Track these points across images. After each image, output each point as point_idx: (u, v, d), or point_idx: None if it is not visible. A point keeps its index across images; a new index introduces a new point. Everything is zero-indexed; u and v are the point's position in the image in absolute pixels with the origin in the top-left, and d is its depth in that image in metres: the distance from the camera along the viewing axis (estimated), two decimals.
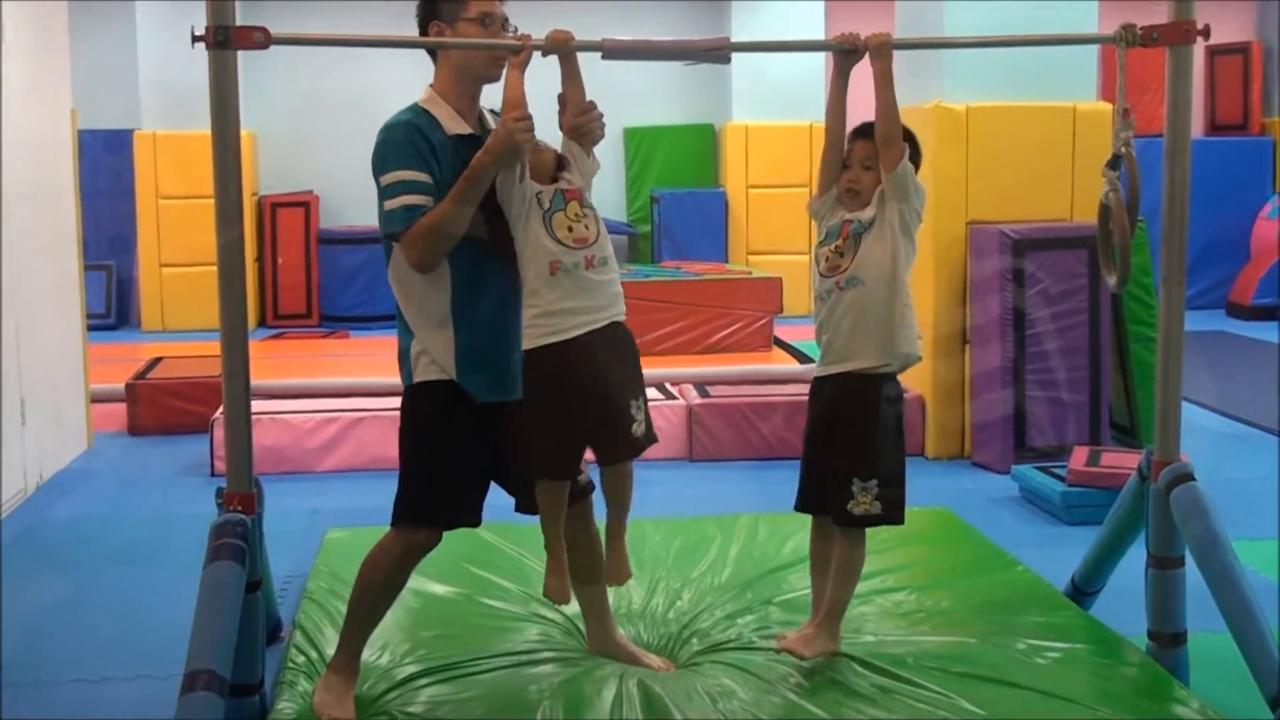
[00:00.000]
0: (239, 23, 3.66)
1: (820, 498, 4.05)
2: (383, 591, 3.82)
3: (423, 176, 3.57)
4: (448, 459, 3.72)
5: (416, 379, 3.72)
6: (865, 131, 4.20)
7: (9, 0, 6.63)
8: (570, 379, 3.58)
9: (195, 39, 3.60)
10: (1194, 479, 4.06)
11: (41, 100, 7.18)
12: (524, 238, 3.58)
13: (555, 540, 3.75)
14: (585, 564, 3.97)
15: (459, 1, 3.71)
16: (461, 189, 3.52)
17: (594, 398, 3.60)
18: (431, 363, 3.69)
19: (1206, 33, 4.04)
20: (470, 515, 3.82)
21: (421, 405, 3.75)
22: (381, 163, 3.61)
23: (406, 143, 3.60)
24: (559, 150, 3.70)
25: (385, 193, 3.58)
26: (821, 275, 4.09)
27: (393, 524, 3.78)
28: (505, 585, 4.78)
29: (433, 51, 3.82)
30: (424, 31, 3.79)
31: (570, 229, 3.56)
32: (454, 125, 3.68)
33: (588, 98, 3.79)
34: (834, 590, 4.03)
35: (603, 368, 3.61)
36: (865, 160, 4.16)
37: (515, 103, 3.53)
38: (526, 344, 3.65)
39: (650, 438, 3.75)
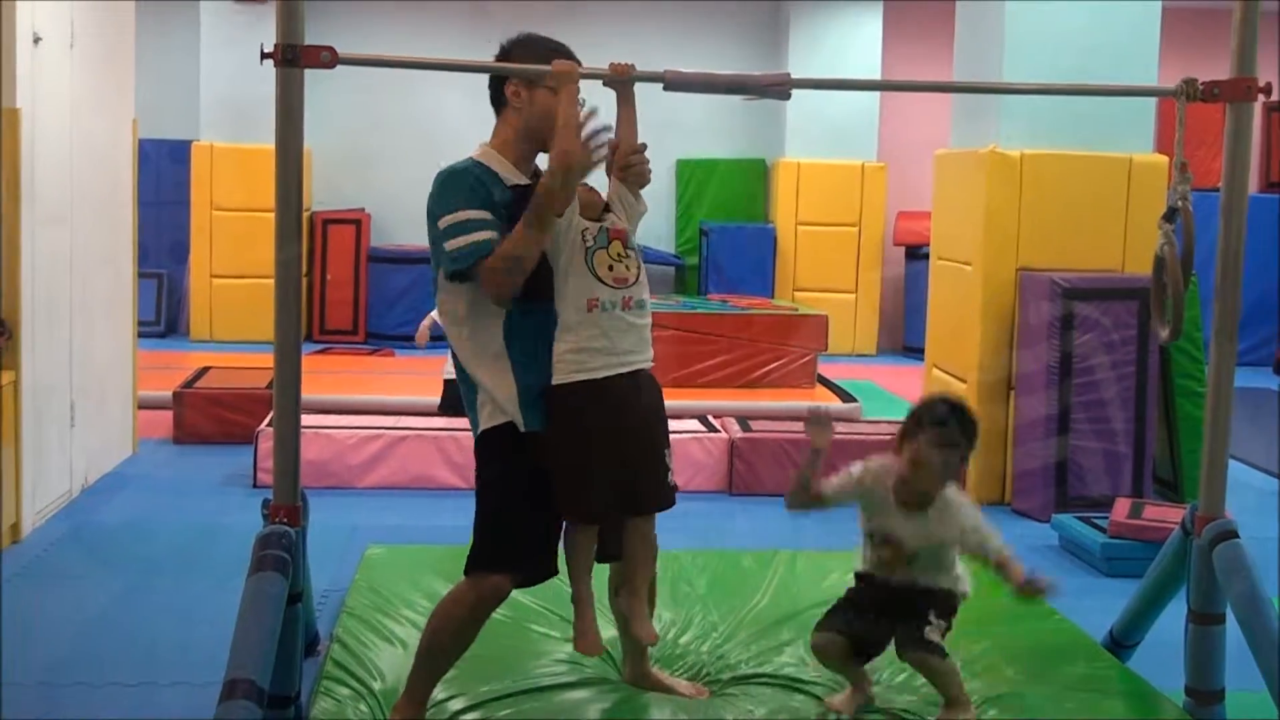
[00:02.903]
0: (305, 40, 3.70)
1: None
2: (453, 641, 3.75)
3: (486, 215, 3.55)
4: (515, 504, 3.67)
5: (482, 427, 3.69)
6: (948, 420, 3.93)
7: (81, 1, 6.72)
8: (606, 419, 3.52)
9: (264, 56, 3.63)
10: (1237, 536, 4.04)
11: (105, 109, 7.27)
12: (564, 272, 3.54)
13: (582, 589, 3.65)
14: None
15: (541, 64, 3.69)
16: (531, 216, 3.48)
17: (634, 441, 3.55)
18: (496, 409, 3.65)
19: (1269, 90, 4.04)
20: (544, 562, 3.73)
21: (488, 453, 3.72)
22: (441, 205, 3.60)
23: (467, 187, 3.60)
24: (605, 192, 3.69)
25: (447, 233, 3.56)
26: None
27: (466, 572, 3.72)
28: (547, 611, 4.79)
29: (498, 108, 3.80)
30: (498, 91, 3.78)
31: (611, 268, 3.54)
32: (512, 177, 3.67)
33: (640, 134, 3.80)
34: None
35: (642, 411, 3.59)
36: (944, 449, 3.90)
37: (570, 123, 3.49)
38: (556, 378, 3.58)
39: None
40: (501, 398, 3.63)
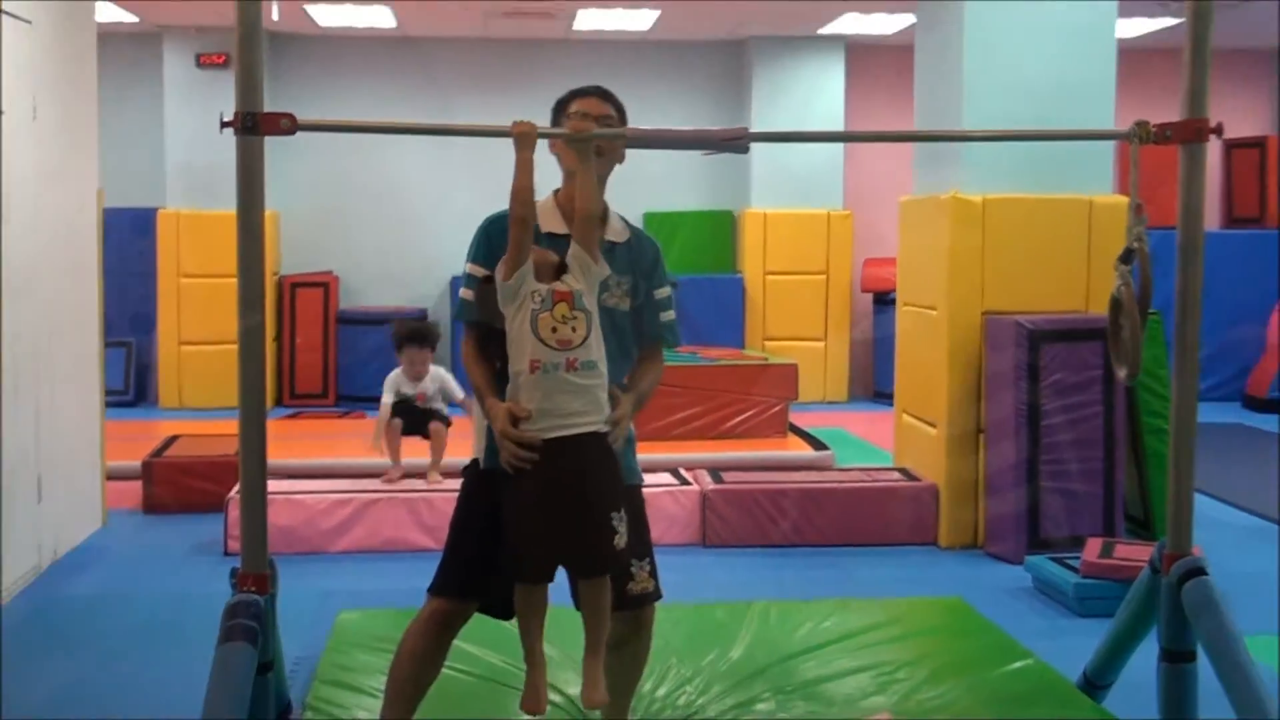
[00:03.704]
0: (266, 106, 3.72)
1: None
2: (409, 660, 3.82)
3: (480, 272, 3.78)
4: (467, 534, 3.84)
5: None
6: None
7: (43, 72, 6.73)
8: (545, 480, 3.51)
9: (224, 124, 3.65)
10: (1206, 573, 4.06)
11: (69, 180, 7.27)
12: (513, 335, 3.58)
13: (531, 644, 3.63)
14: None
15: (564, 106, 3.88)
16: (478, 393, 3.76)
17: (571, 503, 3.53)
18: (475, 444, 3.92)
19: (1219, 130, 4.08)
20: (493, 593, 3.78)
21: (464, 483, 3.96)
22: (468, 252, 3.86)
23: (483, 236, 3.83)
24: (564, 256, 3.70)
25: (462, 280, 3.87)
26: None
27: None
28: (520, 670, 4.76)
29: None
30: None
31: (555, 329, 3.54)
32: (548, 223, 3.81)
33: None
34: None
35: (581, 474, 3.55)
36: None
37: (522, 192, 3.59)
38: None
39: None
40: (477, 435, 3.92)
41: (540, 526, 3.50)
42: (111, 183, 9.07)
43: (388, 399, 7.52)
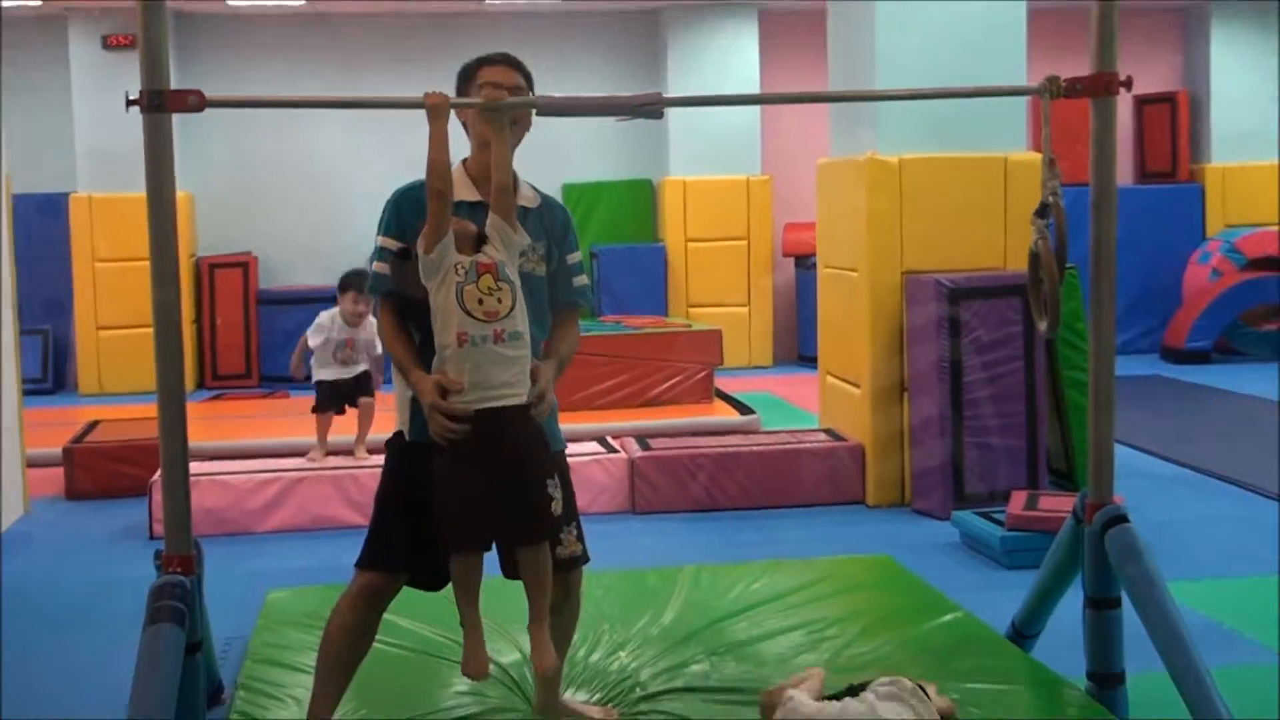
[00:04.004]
0: (174, 86, 3.67)
1: None
2: (339, 635, 3.80)
3: (393, 244, 3.77)
4: (392, 507, 3.82)
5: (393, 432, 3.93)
6: None
7: None
8: (478, 451, 3.51)
9: (130, 103, 3.60)
10: (1128, 521, 4.12)
11: None
12: (438, 307, 3.57)
13: (468, 610, 3.62)
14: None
15: (471, 75, 3.85)
16: (400, 366, 3.73)
17: (507, 473, 3.53)
18: (399, 417, 3.87)
19: (1129, 84, 4.11)
20: (418, 566, 3.79)
21: (387, 457, 3.94)
22: (378, 225, 3.83)
23: (394, 209, 3.82)
24: (483, 228, 3.68)
25: (373, 255, 3.84)
26: None
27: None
28: (451, 642, 4.76)
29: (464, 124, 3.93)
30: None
31: (481, 301, 3.54)
32: (459, 192, 3.77)
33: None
34: None
35: (514, 444, 3.56)
36: None
37: (438, 166, 3.58)
38: None
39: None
40: (400, 407, 3.85)
41: (476, 497, 3.50)
42: (19, 168, 8.91)
43: (314, 341, 7.57)
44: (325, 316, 7.58)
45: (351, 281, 7.49)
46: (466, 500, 3.51)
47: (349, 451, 7.52)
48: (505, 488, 3.52)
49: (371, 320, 7.40)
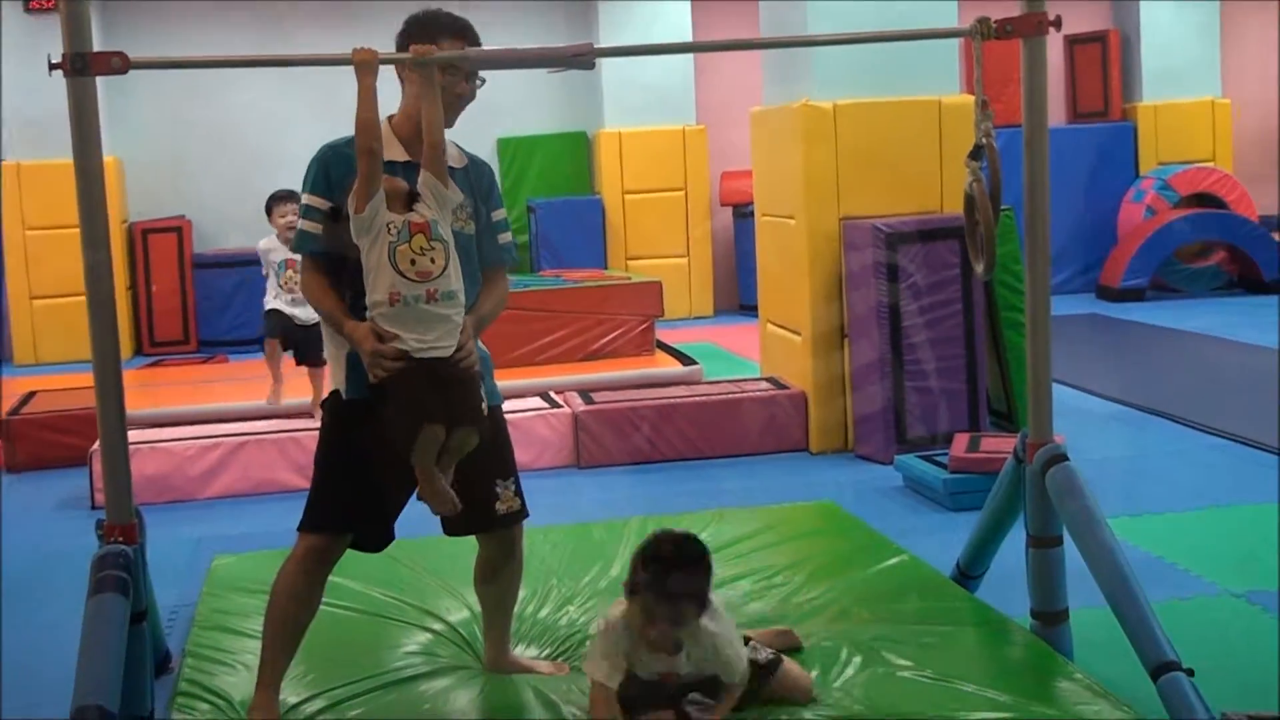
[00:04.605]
0: (98, 48, 3.62)
1: None
2: (285, 600, 3.79)
3: (321, 203, 3.74)
4: (333, 468, 3.81)
5: (326, 392, 3.92)
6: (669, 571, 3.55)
7: None
8: (421, 370, 3.53)
9: (53, 67, 3.56)
10: (1068, 459, 4.15)
11: None
12: (370, 267, 3.55)
13: (426, 468, 3.59)
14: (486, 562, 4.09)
15: (408, 41, 3.78)
16: (332, 321, 3.71)
17: (446, 378, 3.56)
18: (333, 377, 3.87)
19: (1058, 24, 4.13)
20: (361, 525, 3.81)
21: (324, 418, 3.91)
22: (303, 183, 3.81)
23: (320, 166, 3.78)
24: (413, 185, 3.65)
25: (299, 212, 3.83)
26: None
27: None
28: (399, 602, 4.76)
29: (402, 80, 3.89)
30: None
31: (414, 261, 3.52)
32: (392, 151, 3.73)
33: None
34: None
35: (449, 365, 3.59)
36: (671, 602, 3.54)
37: (367, 124, 3.55)
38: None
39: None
40: (334, 367, 3.84)
41: (423, 393, 3.51)
42: None
43: (264, 269, 7.73)
44: (264, 242, 7.70)
45: (278, 196, 7.60)
46: (414, 393, 3.52)
47: (308, 414, 7.46)
48: (446, 385, 3.56)
49: None
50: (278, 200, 7.61)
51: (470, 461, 3.69)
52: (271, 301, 7.63)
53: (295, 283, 7.36)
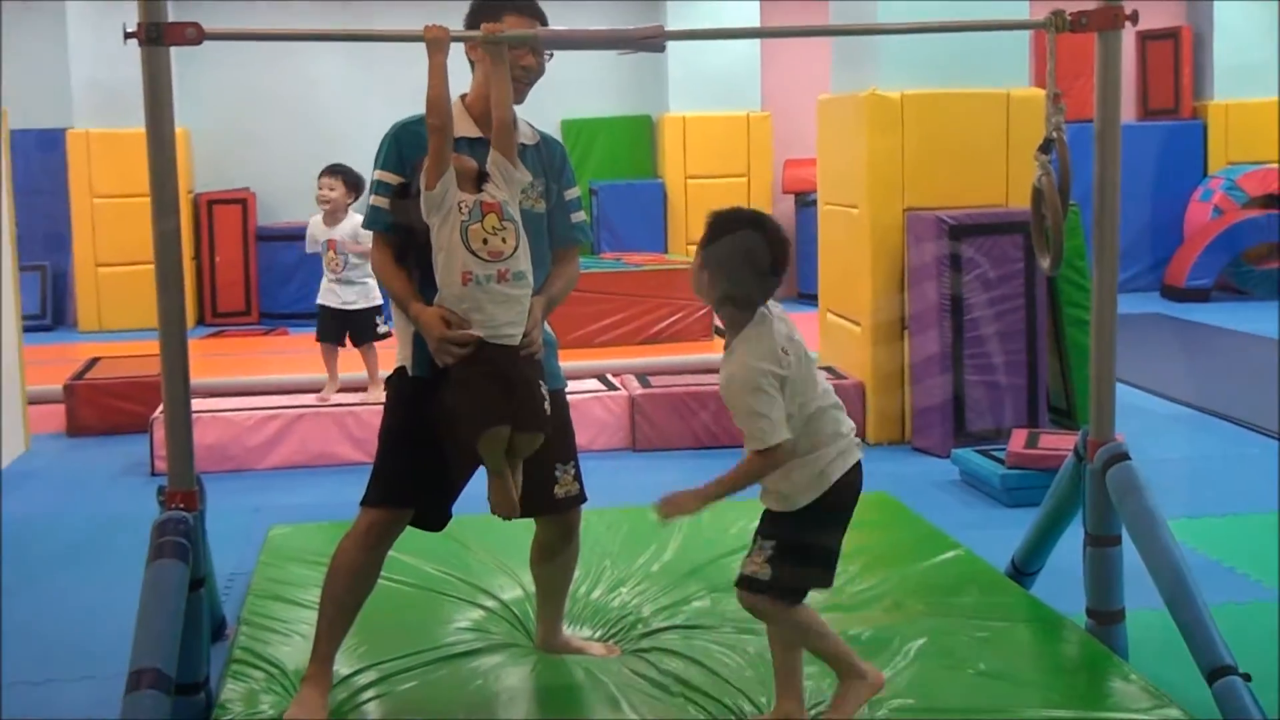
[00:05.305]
0: (172, 19, 3.65)
1: None
2: (345, 574, 3.77)
3: (392, 179, 3.76)
4: (399, 444, 3.80)
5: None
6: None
7: None
8: (488, 358, 3.53)
9: (127, 35, 3.58)
10: (1129, 459, 4.12)
11: None
12: (441, 246, 3.55)
13: (496, 465, 3.59)
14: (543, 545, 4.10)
15: (495, 19, 3.73)
16: (400, 302, 3.72)
17: (514, 370, 3.56)
18: (400, 354, 3.85)
19: (1135, 18, 4.08)
20: (426, 502, 3.81)
21: (389, 394, 3.92)
22: (375, 159, 3.81)
23: (393, 143, 3.80)
24: (483, 165, 3.66)
25: (371, 188, 3.83)
26: None
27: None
28: (453, 578, 4.78)
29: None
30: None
31: (485, 241, 3.52)
32: (459, 128, 3.73)
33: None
34: None
35: (514, 363, 3.59)
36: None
37: (437, 101, 3.54)
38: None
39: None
40: (401, 342, 3.84)
41: (490, 387, 3.51)
42: (15, 103, 8.85)
43: (310, 250, 7.73)
44: (311, 223, 7.67)
45: (325, 170, 7.57)
46: (481, 392, 3.51)
47: (364, 388, 7.49)
48: (511, 383, 3.56)
49: (355, 215, 7.29)
50: (324, 173, 7.60)
51: None
52: (322, 292, 7.56)
53: (336, 263, 7.41)
